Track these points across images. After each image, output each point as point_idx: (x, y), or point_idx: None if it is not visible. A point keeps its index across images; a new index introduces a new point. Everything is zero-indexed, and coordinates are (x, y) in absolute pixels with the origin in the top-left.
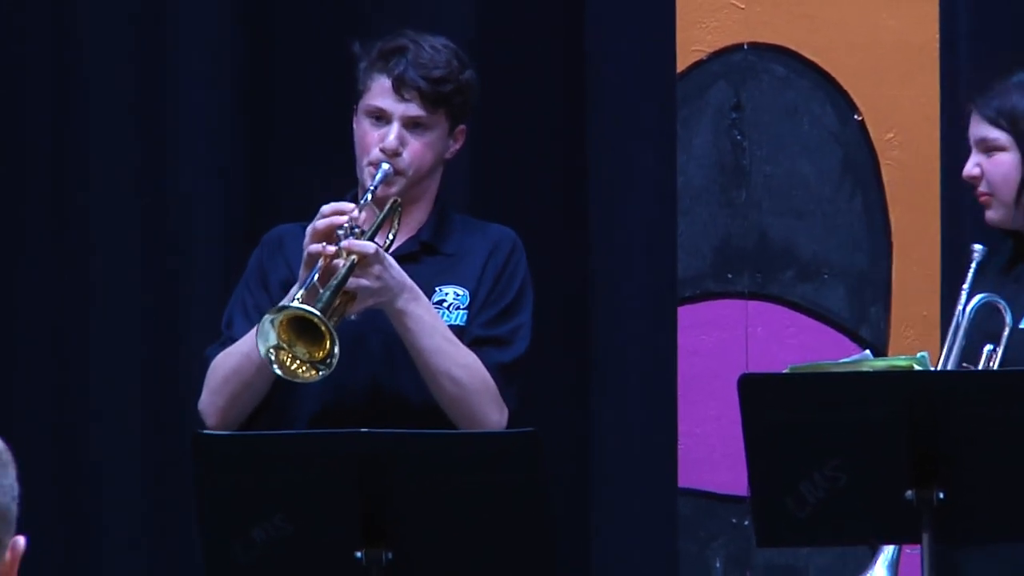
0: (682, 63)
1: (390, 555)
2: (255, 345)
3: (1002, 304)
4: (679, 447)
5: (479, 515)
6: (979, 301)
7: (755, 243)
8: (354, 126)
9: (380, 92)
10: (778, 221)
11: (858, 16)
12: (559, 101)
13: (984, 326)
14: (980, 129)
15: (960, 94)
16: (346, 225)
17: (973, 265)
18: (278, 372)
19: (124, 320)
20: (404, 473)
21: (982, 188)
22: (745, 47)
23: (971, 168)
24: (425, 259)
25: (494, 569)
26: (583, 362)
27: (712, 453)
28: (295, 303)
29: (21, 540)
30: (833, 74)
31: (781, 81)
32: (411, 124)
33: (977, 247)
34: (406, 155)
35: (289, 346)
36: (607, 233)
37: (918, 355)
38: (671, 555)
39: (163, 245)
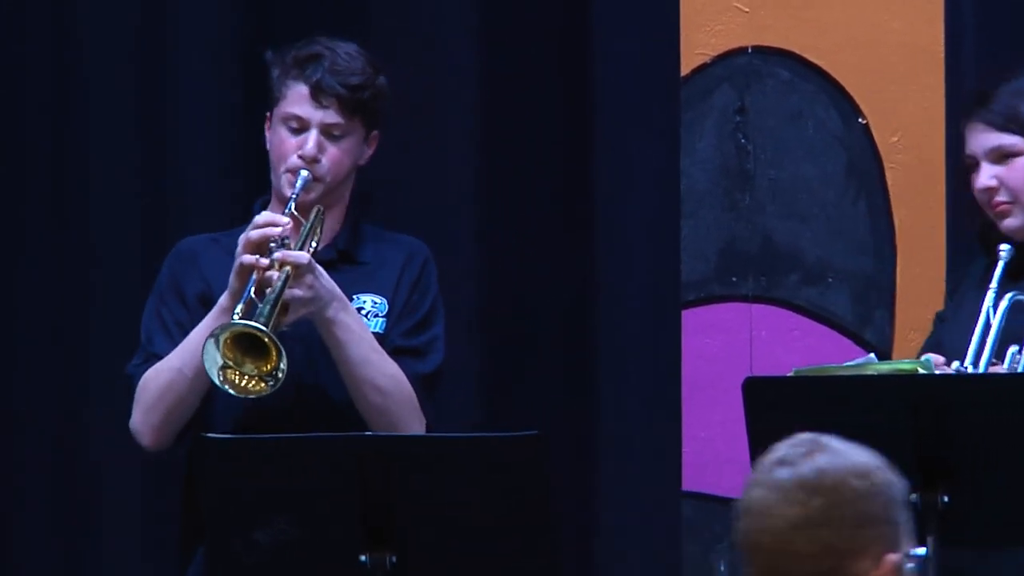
0: (686, 66)
1: (394, 558)
2: (187, 359)
3: None
4: (683, 450)
5: (482, 518)
6: (1011, 299)
7: (759, 246)
8: (268, 134)
9: (297, 99)
10: (782, 225)
11: (862, 19)
12: (562, 104)
13: (1007, 327)
14: (990, 139)
15: (964, 97)
16: (278, 236)
17: (1001, 264)
18: (230, 391)
19: (125, 320)
20: (408, 476)
21: (1001, 197)
22: (749, 50)
23: (987, 180)
24: (342, 267)
25: (498, 571)
26: (587, 365)
27: (716, 456)
28: (237, 319)
29: None
30: (837, 77)
31: (785, 84)
32: (329, 131)
33: (1005, 246)
34: (325, 162)
35: (236, 364)
36: (611, 236)
37: (923, 359)
38: (675, 558)
39: (163, 245)
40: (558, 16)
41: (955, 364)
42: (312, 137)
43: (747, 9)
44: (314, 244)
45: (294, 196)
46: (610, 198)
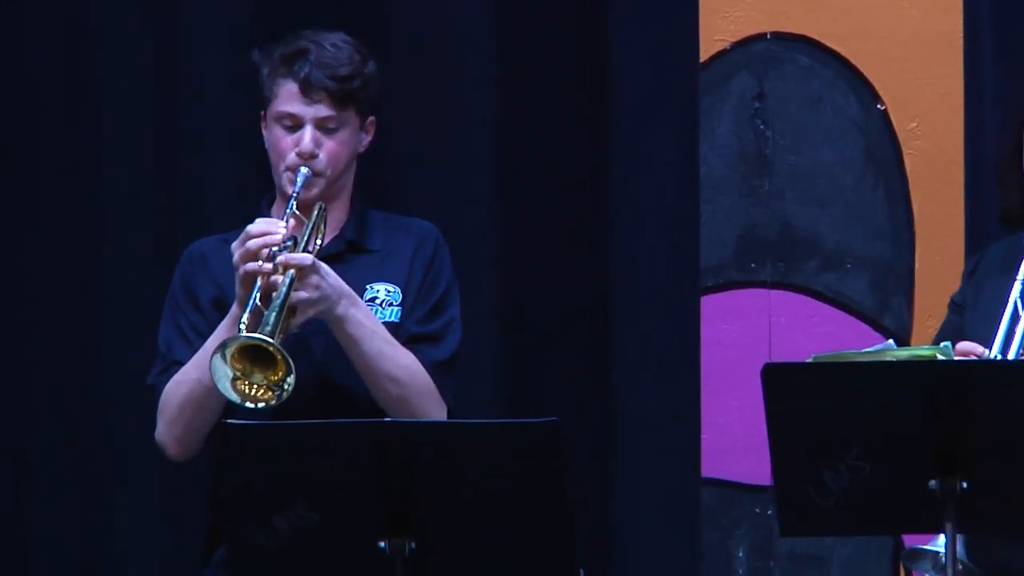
0: (705, 53)
1: (413, 544)
2: (205, 368)
3: None
4: (702, 436)
5: (501, 505)
6: None
7: (778, 232)
8: (264, 133)
9: (288, 97)
10: (801, 211)
11: (881, 5)
12: (581, 91)
13: None
14: None
15: (984, 83)
16: (278, 242)
17: None
18: (238, 401)
19: (138, 318)
20: (427, 463)
21: None
22: (768, 37)
23: None
24: (352, 258)
25: (516, 558)
26: (606, 352)
27: (735, 443)
28: (243, 331)
29: None
30: (856, 63)
31: (804, 70)
32: (323, 125)
33: None
34: (323, 156)
35: (245, 375)
36: (630, 223)
37: (941, 345)
38: (694, 544)
39: (176, 246)
40: (576, 3)
41: (985, 352)
42: (307, 133)
43: None
44: (319, 241)
45: (295, 195)
46: (629, 185)
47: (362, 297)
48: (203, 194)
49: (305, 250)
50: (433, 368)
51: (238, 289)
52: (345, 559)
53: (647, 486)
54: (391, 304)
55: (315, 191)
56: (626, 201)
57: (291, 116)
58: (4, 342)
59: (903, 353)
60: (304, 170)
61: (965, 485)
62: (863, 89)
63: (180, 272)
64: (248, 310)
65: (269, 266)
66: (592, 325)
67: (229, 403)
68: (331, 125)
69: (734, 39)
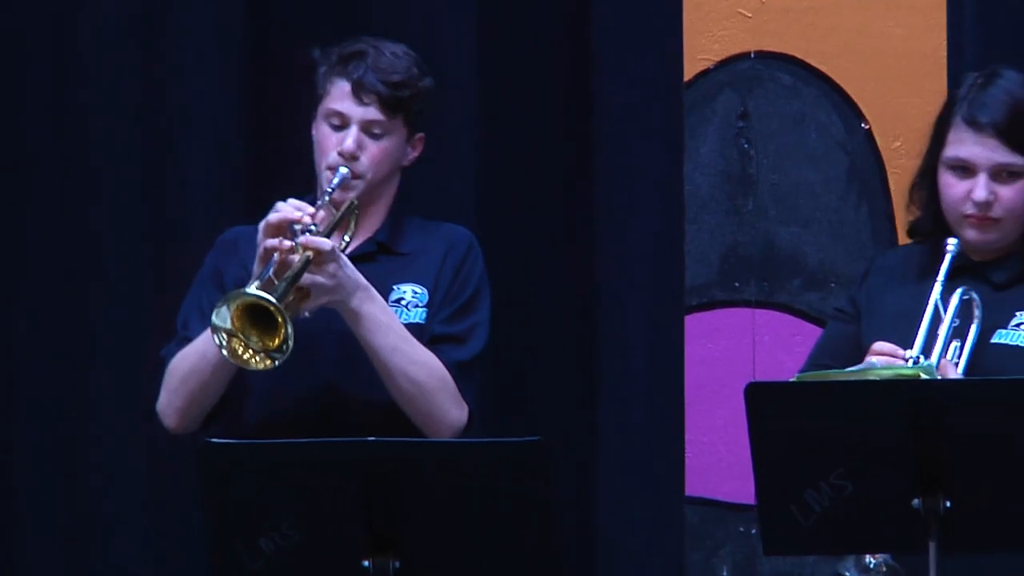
0: (689, 72)
1: (397, 564)
2: (210, 345)
3: (976, 299)
4: (686, 455)
5: (486, 523)
6: (962, 294)
7: (762, 252)
8: (313, 131)
9: (339, 96)
10: (785, 230)
11: (865, 25)
12: (566, 108)
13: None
14: (1001, 155)
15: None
16: (302, 222)
17: (949, 258)
18: (226, 356)
19: (126, 319)
20: (411, 481)
21: (994, 214)
22: (752, 56)
23: (987, 194)
24: (381, 258)
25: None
26: (590, 370)
27: (719, 461)
28: (252, 289)
29: None
30: (840, 83)
31: (788, 90)
32: (369, 128)
33: (953, 240)
34: (364, 159)
35: (243, 334)
36: (614, 241)
37: (924, 363)
38: (678, 563)
39: (163, 244)
40: (561, 22)
41: (908, 352)
42: (352, 134)
43: (750, 14)
44: (346, 238)
45: (329, 191)
46: (613, 203)
47: (388, 297)
48: (190, 199)
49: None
50: (454, 368)
51: (256, 266)
52: None
53: (631, 505)
54: (417, 305)
55: (352, 193)
56: (611, 220)
57: (339, 115)
58: None
59: (886, 372)
60: (344, 170)
61: (948, 504)
62: (847, 108)
63: (211, 255)
64: (260, 280)
65: (289, 244)
66: (577, 343)
67: (244, 384)
68: (377, 130)
69: (718, 58)
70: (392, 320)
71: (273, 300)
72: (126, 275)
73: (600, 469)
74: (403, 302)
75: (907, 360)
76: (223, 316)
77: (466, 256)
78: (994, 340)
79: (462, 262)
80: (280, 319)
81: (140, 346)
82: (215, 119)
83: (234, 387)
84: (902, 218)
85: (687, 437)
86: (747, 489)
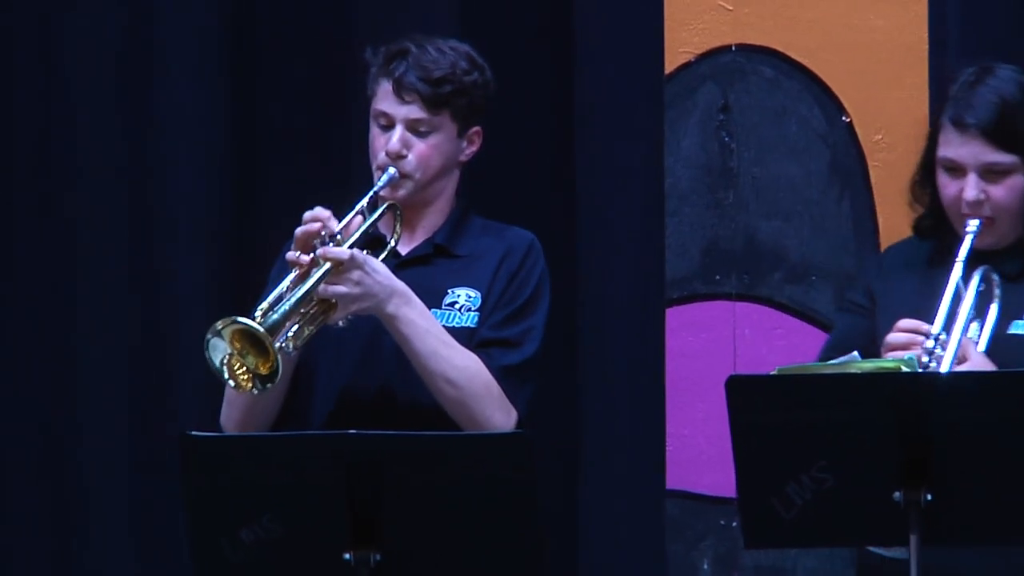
0: (670, 65)
1: (379, 556)
2: None
3: (996, 279)
4: (667, 448)
5: (468, 516)
6: (983, 272)
7: (743, 245)
8: (369, 133)
9: (383, 96)
10: (766, 223)
11: (846, 18)
12: (547, 102)
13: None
14: (987, 154)
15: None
16: (326, 232)
17: (969, 238)
18: (230, 382)
19: (111, 319)
20: (393, 474)
21: (985, 213)
22: (733, 49)
23: (977, 193)
24: (437, 261)
25: (483, 570)
26: (571, 363)
27: (700, 455)
28: (243, 318)
29: None
30: (821, 76)
31: (769, 83)
32: (415, 127)
33: (973, 222)
34: (412, 158)
35: (241, 354)
36: (595, 234)
37: (906, 356)
38: (659, 556)
39: (149, 244)
40: (542, 15)
41: (927, 327)
42: (396, 133)
43: (731, 7)
44: (393, 240)
45: (372, 192)
46: (594, 196)
47: (443, 301)
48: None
49: (355, 245)
50: (501, 372)
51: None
52: (311, 571)
53: (612, 498)
54: (470, 309)
55: (402, 192)
56: (591, 213)
57: (385, 115)
58: None
59: (867, 365)
60: (391, 170)
61: (929, 496)
62: (828, 101)
63: (276, 264)
64: (266, 297)
65: (307, 259)
66: (557, 336)
67: (308, 386)
68: (422, 128)
69: (699, 51)
70: (431, 324)
71: (261, 329)
72: (111, 274)
73: (582, 462)
74: (456, 306)
75: (928, 336)
76: (217, 345)
77: (523, 261)
78: (1011, 331)
79: (519, 267)
80: (269, 347)
81: (125, 343)
82: (201, 114)
83: (294, 391)
84: (884, 211)
85: (668, 430)
86: (728, 482)
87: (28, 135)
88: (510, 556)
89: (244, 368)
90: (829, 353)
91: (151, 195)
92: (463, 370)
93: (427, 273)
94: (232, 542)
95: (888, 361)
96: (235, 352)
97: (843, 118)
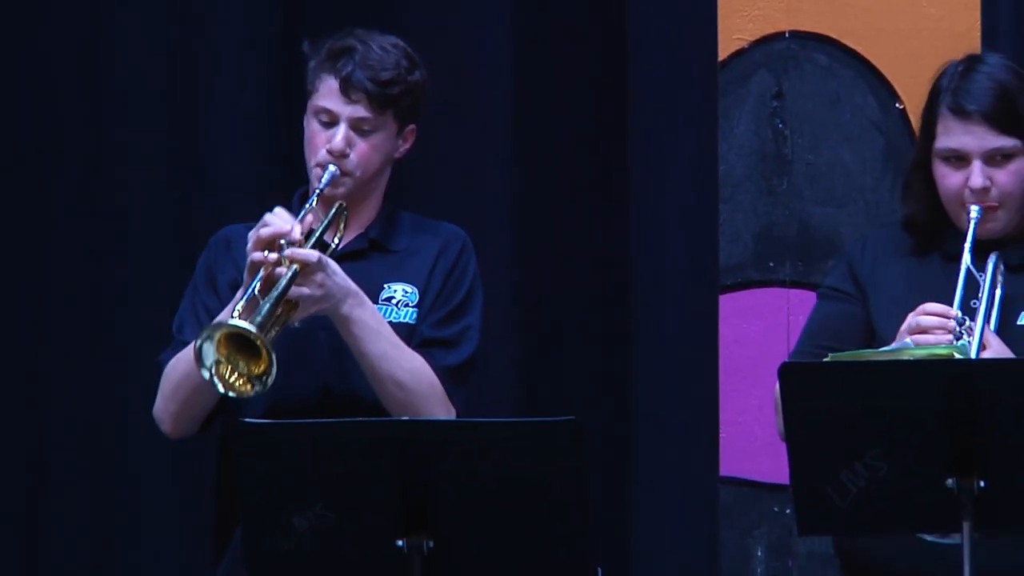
0: (724, 51)
1: (431, 543)
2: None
3: (1002, 267)
4: (721, 435)
5: (520, 503)
6: (995, 258)
7: (797, 232)
8: (304, 125)
9: (328, 93)
10: (820, 210)
11: (900, 4)
12: (600, 90)
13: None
14: (991, 140)
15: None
16: (290, 236)
17: (972, 224)
18: (220, 389)
19: (157, 314)
20: (445, 461)
21: (994, 198)
22: (787, 35)
23: (983, 180)
24: (373, 256)
25: (533, 556)
26: (625, 351)
27: (754, 441)
28: (234, 319)
29: None
30: (875, 62)
31: (823, 70)
32: (358, 126)
33: (975, 208)
34: (353, 156)
35: (228, 360)
36: (648, 222)
37: (958, 343)
38: (712, 543)
39: (196, 240)
40: (594, 2)
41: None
42: (340, 132)
43: None
44: (336, 240)
45: (318, 191)
46: (647, 184)
47: (379, 296)
48: (221, 191)
49: (318, 245)
50: (443, 373)
51: (245, 276)
52: (363, 558)
53: (665, 485)
54: (407, 305)
55: (341, 190)
56: (645, 200)
57: (328, 112)
58: (21, 343)
59: (920, 352)
60: (332, 168)
61: (982, 484)
62: (882, 88)
63: (205, 255)
64: (244, 299)
65: (275, 256)
66: (611, 324)
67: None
68: (366, 127)
69: (753, 38)
70: (382, 326)
71: (254, 330)
72: (155, 270)
73: (634, 449)
74: (393, 301)
75: (954, 319)
76: (207, 352)
77: (459, 257)
78: (1020, 322)
79: (455, 264)
80: (261, 347)
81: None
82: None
83: None
84: None
85: (721, 417)
86: (782, 469)
87: (77, 139)
88: (560, 542)
89: (235, 373)
90: (812, 338)
91: (198, 193)
92: (411, 372)
93: (362, 268)
94: (285, 529)
95: (941, 348)
96: (222, 359)
97: (897, 105)
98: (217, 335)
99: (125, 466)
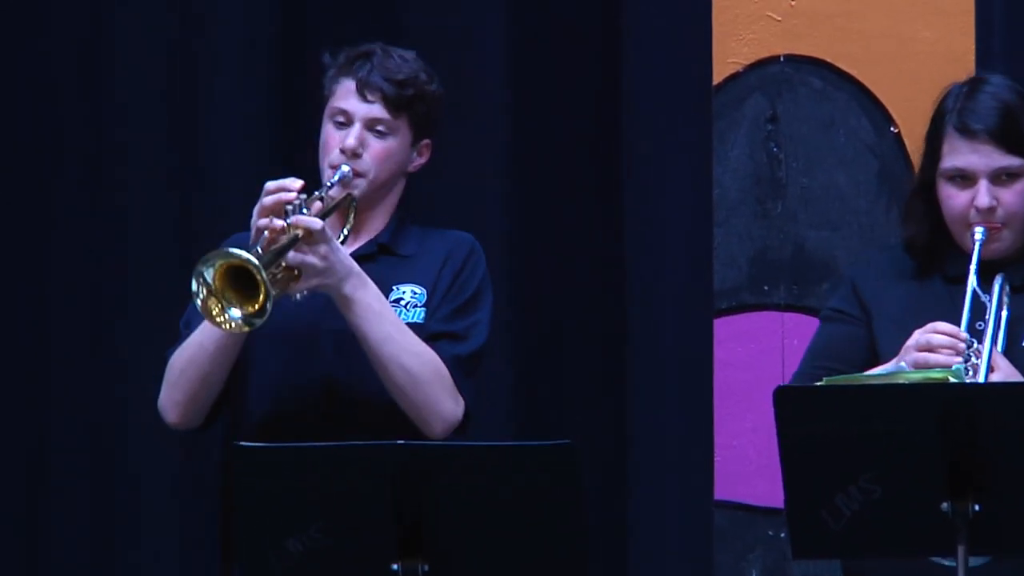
0: (718, 75)
1: (426, 567)
2: (208, 331)
3: (1007, 288)
4: (715, 459)
5: (514, 526)
6: (1002, 279)
7: (791, 255)
8: (320, 133)
9: (344, 94)
10: (814, 233)
11: (894, 28)
12: (595, 112)
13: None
14: (997, 159)
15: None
16: (295, 203)
17: (978, 246)
18: (202, 314)
19: (157, 314)
20: (440, 485)
21: (1000, 218)
22: (781, 59)
23: (989, 200)
24: (382, 259)
25: None
26: (620, 373)
27: (748, 465)
28: (236, 250)
29: None
30: (869, 86)
31: (817, 93)
32: (373, 126)
33: (979, 229)
34: (367, 157)
35: (221, 295)
36: (643, 245)
37: (953, 367)
38: (708, 567)
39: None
40: (591, 25)
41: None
42: (354, 131)
43: (779, 18)
44: (344, 232)
45: (327, 185)
46: (643, 207)
47: (388, 297)
48: (221, 194)
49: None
50: (452, 362)
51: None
52: None
53: (660, 508)
54: (416, 305)
55: (354, 192)
56: (640, 223)
57: (344, 112)
58: (21, 343)
59: (915, 375)
60: (345, 168)
61: (977, 507)
62: (876, 112)
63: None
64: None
65: (280, 223)
66: (606, 347)
67: (244, 378)
68: (381, 128)
69: (748, 62)
70: (386, 308)
71: (255, 261)
72: (155, 270)
73: (629, 472)
74: (402, 302)
75: (963, 341)
76: (203, 269)
77: (467, 259)
78: None
79: (463, 264)
80: (260, 280)
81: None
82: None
83: (235, 383)
84: None
85: (716, 441)
86: (776, 493)
87: (77, 139)
88: (556, 566)
89: (223, 310)
90: (815, 360)
91: (197, 196)
92: (416, 356)
93: (372, 270)
94: (279, 552)
95: (936, 371)
96: (215, 289)
97: (891, 128)
98: (219, 262)
99: (125, 466)
